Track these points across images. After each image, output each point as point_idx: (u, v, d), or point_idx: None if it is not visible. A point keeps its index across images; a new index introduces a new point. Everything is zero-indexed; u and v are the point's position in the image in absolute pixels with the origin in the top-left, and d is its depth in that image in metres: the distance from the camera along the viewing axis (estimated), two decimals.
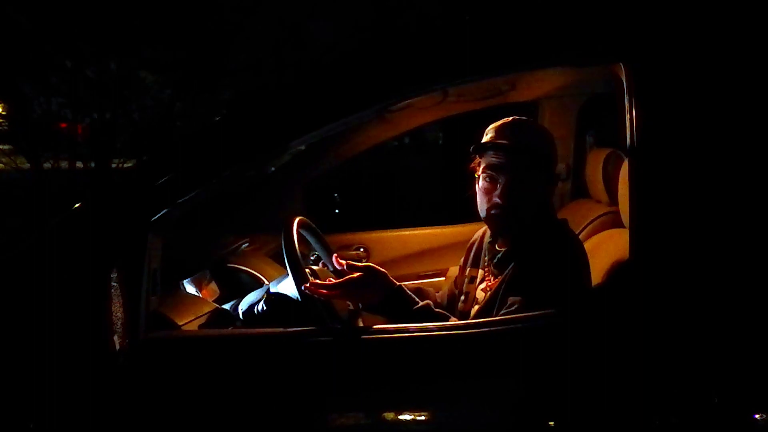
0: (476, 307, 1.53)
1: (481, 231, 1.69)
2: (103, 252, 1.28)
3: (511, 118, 1.51)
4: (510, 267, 1.46)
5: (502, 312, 1.38)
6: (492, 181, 1.47)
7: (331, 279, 1.67)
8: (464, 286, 1.64)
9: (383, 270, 1.46)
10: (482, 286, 1.56)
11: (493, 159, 1.46)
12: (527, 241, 1.47)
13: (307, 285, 1.38)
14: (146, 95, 6.62)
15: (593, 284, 1.46)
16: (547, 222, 1.50)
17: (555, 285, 1.35)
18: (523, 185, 1.44)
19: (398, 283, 1.46)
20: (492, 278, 1.53)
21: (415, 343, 1.26)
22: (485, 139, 1.51)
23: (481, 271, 1.60)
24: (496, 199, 1.45)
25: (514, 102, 2.40)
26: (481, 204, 1.50)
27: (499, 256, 1.52)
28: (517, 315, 1.33)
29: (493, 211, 1.47)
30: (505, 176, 1.44)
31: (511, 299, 1.38)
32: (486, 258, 1.59)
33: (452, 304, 1.69)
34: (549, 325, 1.27)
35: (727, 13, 1.28)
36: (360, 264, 1.48)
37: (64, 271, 1.28)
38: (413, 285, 1.83)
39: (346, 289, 1.41)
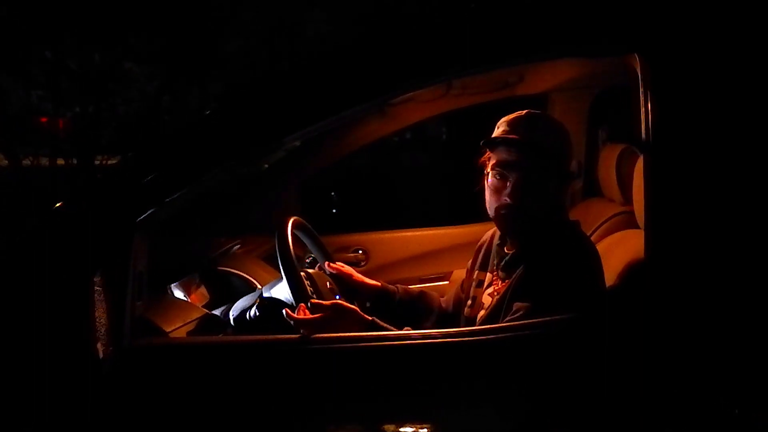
0: (482, 312, 1.53)
1: (490, 232, 1.69)
2: (86, 254, 1.28)
3: (525, 112, 1.50)
4: (517, 271, 1.46)
5: (508, 318, 1.38)
6: (502, 178, 1.46)
7: (328, 283, 1.67)
8: (471, 290, 1.64)
9: (352, 306, 1.44)
10: (489, 290, 1.56)
11: (505, 155, 1.45)
12: (536, 243, 1.47)
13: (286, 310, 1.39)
14: (131, 88, 6.61)
15: (607, 287, 1.46)
16: (557, 223, 1.50)
17: (564, 290, 1.35)
18: (536, 184, 1.43)
19: (371, 318, 1.43)
20: (500, 282, 1.53)
21: (416, 350, 1.26)
22: (496, 132, 1.50)
23: (489, 275, 1.60)
24: (506, 199, 1.45)
25: (522, 95, 2.40)
26: (490, 203, 1.49)
27: (507, 258, 1.52)
28: (523, 321, 1.32)
29: (502, 212, 1.46)
30: (517, 174, 1.44)
31: (516, 305, 1.38)
32: (494, 261, 1.59)
33: (458, 309, 1.69)
34: (559, 331, 1.27)
35: (748, 2, 1.28)
36: (326, 303, 1.44)
37: (44, 274, 1.28)
38: (416, 288, 1.84)
39: (312, 327, 1.37)
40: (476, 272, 1.65)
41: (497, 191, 1.47)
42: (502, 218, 1.48)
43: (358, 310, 1.45)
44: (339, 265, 1.77)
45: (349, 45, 1.40)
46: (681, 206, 1.22)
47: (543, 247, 1.44)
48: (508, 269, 1.51)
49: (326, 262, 1.76)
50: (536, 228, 1.47)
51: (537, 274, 1.40)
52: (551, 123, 1.54)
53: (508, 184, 1.45)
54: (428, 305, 1.77)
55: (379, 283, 1.76)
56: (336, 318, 1.40)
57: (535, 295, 1.36)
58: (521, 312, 1.35)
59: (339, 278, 1.73)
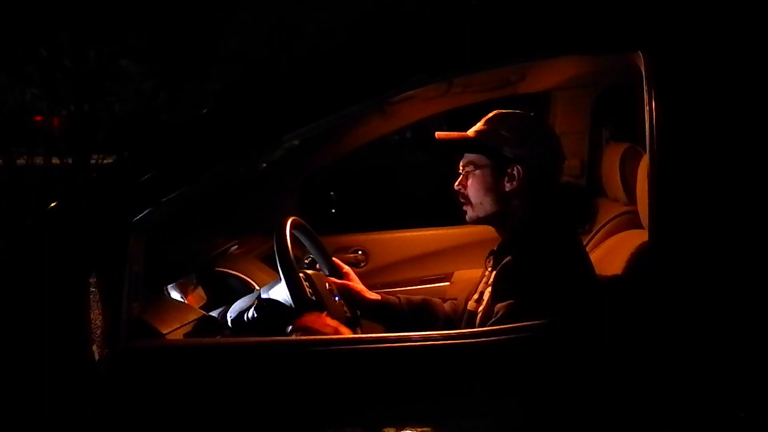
0: (480, 307, 1.56)
1: None
2: (82, 255, 1.28)
3: (493, 113, 1.60)
4: (494, 273, 1.49)
5: (490, 322, 1.39)
6: (463, 176, 1.60)
7: (327, 284, 1.67)
8: (480, 285, 1.66)
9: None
10: (483, 286, 1.59)
11: (464, 153, 1.60)
12: (515, 240, 1.52)
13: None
14: (128, 86, 6.61)
15: (610, 289, 1.46)
16: (541, 223, 1.52)
17: (539, 290, 1.37)
18: (485, 180, 1.55)
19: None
20: (488, 272, 1.58)
21: (417, 352, 1.26)
22: None
23: (488, 271, 1.62)
24: (460, 194, 1.59)
25: (525, 93, 2.40)
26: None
27: (494, 251, 1.58)
28: (504, 325, 1.33)
29: (463, 205, 1.60)
30: (468, 170, 1.58)
31: (497, 307, 1.40)
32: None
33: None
34: (561, 332, 1.27)
35: None
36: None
37: (39, 275, 1.28)
38: (417, 290, 1.84)
39: None
40: (488, 270, 1.68)
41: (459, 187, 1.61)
42: (465, 212, 1.61)
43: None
44: (342, 281, 1.77)
45: (349, 43, 1.41)
46: (685, 206, 1.22)
47: (520, 245, 1.48)
48: (492, 263, 1.57)
49: (329, 279, 1.75)
50: (513, 224, 1.54)
51: (509, 273, 1.43)
52: (514, 122, 1.58)
53: (463, 180, 1.59)
54: (433, 313, 1.77)
55: (379, 297, 1.76)
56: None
57: (511, 296, 1.39)
58: (499, 314, 1.37)
59: (339, 276, 1.74)
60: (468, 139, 1.58)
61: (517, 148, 1.53)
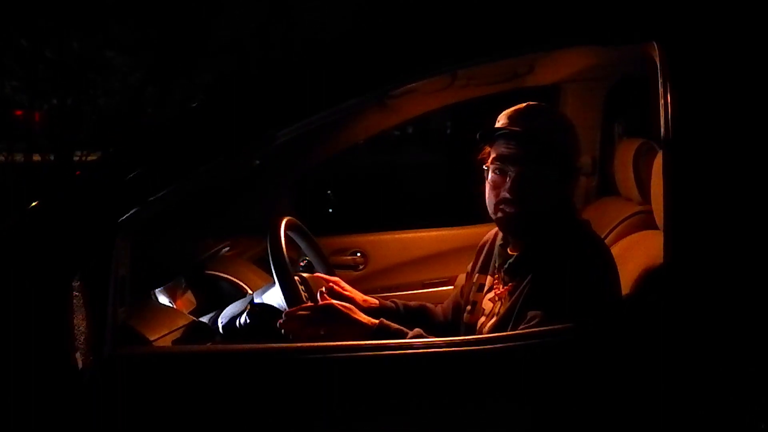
0: (483, 319, 1.54)
1: (492, 232, 1.69)
2: (64, 257, 1.28)
3: (525, 104, 1.52)
4: (527, 278, 1.45)
5: (521, 327, 1.37)
6: (501, 173, 1.47)
7: (323, 289, 1.67)
8: (471, 294, 1.64)
9: (347, 309, 1.47)
10: (490, 295, 1.56)
11: (504, 149, 1.47)
12: (544, 245, 1.47)
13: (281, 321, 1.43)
14: (113, 79, 6.61)
15: (623, 294, 1.46)
16: (567, 223, 1.50)
17: (580, 296, 1.34)
18: (537, 178, 1.44)
19: (377, 321, 1.45)
20: (501, 286, 1.53)
21: (419, 360, 1.26)
22: (496, 126, 1.51)
23: (489, 278, 1.60)
24: (505, 194, 1.45)
25: (533, 86, 2.41)
26: (490, 200, 1.50)
27: (510, 261, 1.52)
28: (535, 329, 1.32)
29: (501, 207, 1.47)
30: (516, 168, 1.45)
31: (531, 313, 1.37)
32: (496, 263, 1.59)
33: (458, 315, 1.69)
34: (573, 340, 1.27)
35: None
36: (308, 305, 1.49)
37: (19, 279, 1.28)
38: (418, 294, 1.84)
39: (296, 332, 1.43)
40: (476, 275, 1.66)
41: (496, 187, 1.48)
42: (502, 216, 1.48)
43: (358, 314, 1.46)
44: (335, 280, 1.76)
45: (347, 33, 1.40)
46: (702, 205, 1.22)
47: (552, 249, 1.44)
48: (511, 273, 1.51)
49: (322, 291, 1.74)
50: (542, 227, 1.47)
51: (550, 279, 1.40)
52: (553, 115, 1.56)
53: (507, 179, 1.46)
54: (429, 319, 1.77)
55: (376, 302, 1.76)
56: (323, 320, 1.43)
57: (547, 303, 1.36)
58: (536, 320, 1.35)
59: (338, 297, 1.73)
60: (540, 136, 1.45)
61: (570, 146, 1.50)
